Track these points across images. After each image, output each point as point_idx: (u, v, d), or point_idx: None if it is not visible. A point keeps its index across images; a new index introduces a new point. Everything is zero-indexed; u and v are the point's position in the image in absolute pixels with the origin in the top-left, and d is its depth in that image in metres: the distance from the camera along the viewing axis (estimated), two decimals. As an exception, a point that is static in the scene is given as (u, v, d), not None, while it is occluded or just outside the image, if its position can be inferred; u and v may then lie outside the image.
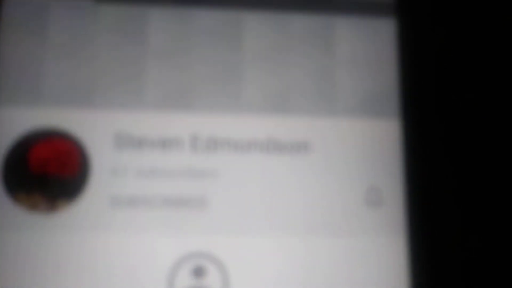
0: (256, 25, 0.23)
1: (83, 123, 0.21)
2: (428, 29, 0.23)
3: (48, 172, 0.21)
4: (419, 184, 0.22)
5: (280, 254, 0.21)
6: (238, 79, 0.22)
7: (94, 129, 0.21)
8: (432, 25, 0.23)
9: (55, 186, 0.21)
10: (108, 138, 0.21)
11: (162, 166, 0.21)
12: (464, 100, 0.22)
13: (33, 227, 0.20)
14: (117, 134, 0.21)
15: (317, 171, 0.22)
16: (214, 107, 0.22)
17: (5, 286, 0.20)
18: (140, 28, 0.22)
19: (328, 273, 0.21)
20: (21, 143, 0.21)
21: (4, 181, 0.21)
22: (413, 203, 0.22)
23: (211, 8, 0.23)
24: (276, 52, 0.23)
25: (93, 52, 0.22)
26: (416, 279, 0.21)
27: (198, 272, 0.21)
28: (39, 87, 0.22)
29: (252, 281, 0.21)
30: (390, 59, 0.23)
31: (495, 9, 0.23)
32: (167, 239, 0.21)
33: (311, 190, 0.22)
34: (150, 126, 0.22)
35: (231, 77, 0.22)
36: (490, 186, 0.22)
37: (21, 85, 0.21)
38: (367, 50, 0.23)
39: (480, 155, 0.22)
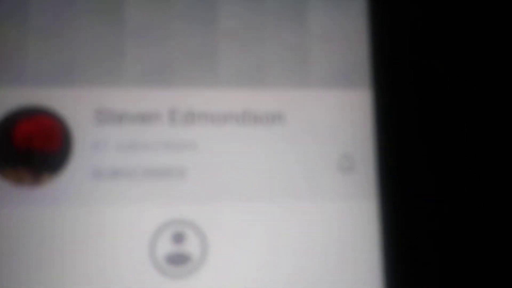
0: (230, 1, 0.24)
1: (65, 100, 0.22)
2: (398, 1, 0.24)
3: (33, 147, 0.22)
4: (390, 150, 0.22)
5: (257, 219, 0.22)
6: (213, 55, 0.23)
7: (75, 105, 0.22)
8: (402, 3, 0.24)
9: (39, 161, 0.22)
10: (89, 114, 0.22)
11: (142, 139, 0.22)
12: (432, 69, 0.23)
13: (19, 200, 0.21)
14: (97, 109, 0.22)
15: (292, 140, 0.23)
16: (191, 82, 0.23)
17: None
18: (117, 6, 0.23)
19: (303, 237, 0.22)
20: (6, 121, 0.22)
21: (-9, 158, 0.22)
22: (384, 169, 0.22)
23: (186, -13, 0.24)
24: (250, 27, 0.23)
25: (72, 32, 0.23)
26: (387, 243, 0.22)
27: (178, 238, 0.21)
28: (22, 67, 0.22)
29: (230, 245, 0.22)
30: (362, 31, 0.24)
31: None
32: (148, 209, 0.22)
33: (286, 158, 0.23)
34: (130, 101, 0.22)
35: (207, 52, 0.23)
36: (460, 152, 0.23)
37: (4, 66, 0.22)
38: (339, 23, 0.24)
39: (446, 121, 0.23)
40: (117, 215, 0.21)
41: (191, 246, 0.22)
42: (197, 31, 0.23)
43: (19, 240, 0.21)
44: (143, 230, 0.21)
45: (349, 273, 0.22)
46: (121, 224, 0.21)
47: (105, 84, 0.22)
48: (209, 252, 0.22)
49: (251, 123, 0.23)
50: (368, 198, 0.22)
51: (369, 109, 0.23)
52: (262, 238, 0.22)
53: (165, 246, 0.21)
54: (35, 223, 0.21)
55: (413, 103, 0.23)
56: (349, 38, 0.24)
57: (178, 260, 0.22)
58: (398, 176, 0.22)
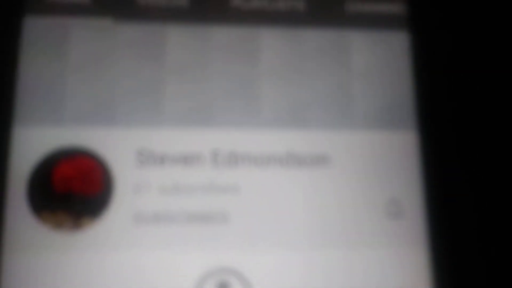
0: (272, 41, 0.23)
1: (106, 141, 0.22)
2: (441, 40, 0.23)
3: (73, 191, 0.21)
4: (438, 195, 0.22)
5: (303, 267, 0.21)
6: (256, 94, 0.23)
7: (116, 146, 0.22)
8: (445, 37, 0.23)
9: (79, 204, 0.21)
10: (131, 155, 0.22)
11: (184, 182, 0.22)
12: (477, 109, 0.23)
13: (59, 246, 0.21)
14: (139, 151, 0.22)
15: (337, 184, 0.22)
16: (234, 123, 0.22)
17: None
18: (158, 46, 0.23)
19: (351, 286, 0.21)
20: (45, 162, 0.22)
21: (29, 200, 0.21)
22: (433, 214, 0.22)
23: (227, 24, 0.23)
24: (292, 66, 0.23)
25: (113, 71, 0.22)
26: (438, 290, 0.21)
27: (223, 287, 0.21)
28: (62, 107, 0.22)
29: (277, 295, 0.21)
30: (405, 71, 0.23)
31: (505, 19, 0.23)
32: (191, 255, 0.21)
33: (331, 203, 0.22)
34: (171, 142, 0.22)
35: (250, 92, 0.23)
36: (508, 194, 0.22)
37: (44, 105, 0.22)
38: (382, 62, 0.23)
39: (496, 163, 0.22)
40: (159, 261, 0.21)
41: (237, 295, 0.21)
42: (239, 70, 0.23)
43: (58, 286, 0.20)
44: (186, 278, 0.21)
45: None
46: (163, 271, 0.21)
47: (146, 125, 0.22)
48: (255, 301, 0.21)
49: (295, 166, 0.22)
50: (418, 245, 0.22)
51: (416, 151, 0.22)
52: None
53: (210, 295, 0.21)
54: (75, 269, 0.21)
55: (459, 143, 0.22)
56: (392, 76, 0.23)
57: (222, 308, 0.21)
58: (447, 220, 0.22)
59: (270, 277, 0.21)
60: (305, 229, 0.22)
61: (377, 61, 0.23)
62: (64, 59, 0.22)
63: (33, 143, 0.22)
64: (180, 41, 0.23)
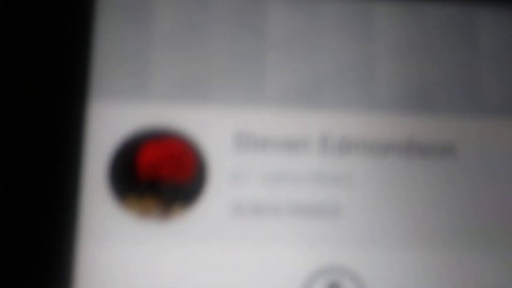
0: (391, 15, 0.20)
1: (199, 121, 0.19)
2: None
3: (161, 177, 0.18)
4: None
5: (423, 268, 0.18)
6: (372, 73, 0.20)
7: (211, 128, 0.19)
8: None
9: (169, 191, 0.18)
10: (228, 138, 0.19)
11: (289, 169, 0.19)
12: None
13: (145, 236, 0.18)
14: (237, 133, 0.19)
15: (464, 177, 0.19)
16: (347, 104, 0.19)
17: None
18: (259, 18, 0.20)
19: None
20: (129, 144, 0.19)
21: (112, 186, 0.18)
22: None
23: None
24: (414, 44, 0.20)
25: (209, 44, 0.20)
26: None
27: (337, 290, 0.18)
28: (147, 81, 0.19)
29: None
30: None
31: None
32: (298, 252, 0.18)
33: (457, 198, 0.19)
34: (275, 125, 0.19)
35: (365, 69, 0.20)
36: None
37: (127, 77, 0.19)
38: (513, 41, 0.20)
39: None
40: (260, 259, 0.18)
41: (354, 301, 0.18)
42: (352, 45, 0.20)
43: (144, 281, 0.17)
44: (292, 278, 0.18)
45: None
46: (265, 269, 0.18)
47: (245, 104, 0.19)
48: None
49: (417, 155, 0.19)
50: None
51: (556, 143, 0.19)
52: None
53: (323, 300, 0.18)
54: (163, 263, 0.18)
55: None
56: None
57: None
58: None
59: (386, 277, 0.18)
60: (426, 225, 0.18)
61: (508, 40, 0.20)
62: (149, 26, 0.20)
63: (113, 121, 0.19)
64: (284, 13, 0.20)
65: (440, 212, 0.19)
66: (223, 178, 0.19)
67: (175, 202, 0.18)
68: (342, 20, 0.20)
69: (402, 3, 0.20)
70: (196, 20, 0.20)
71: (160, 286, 0.17)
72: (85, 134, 0.19)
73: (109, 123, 0.19)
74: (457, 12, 0.21)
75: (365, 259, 0.18)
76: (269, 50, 0.20)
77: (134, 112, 0.19)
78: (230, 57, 0.20)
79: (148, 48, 0.20)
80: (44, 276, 0.17)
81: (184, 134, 0.19)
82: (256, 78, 0.19)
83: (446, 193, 0.19)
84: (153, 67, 0.19)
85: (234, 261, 0.18)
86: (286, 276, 0.18)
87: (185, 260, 0.18)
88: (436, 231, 0.19)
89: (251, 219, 0.18)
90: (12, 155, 0.18)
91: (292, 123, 0.19)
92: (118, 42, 0.20)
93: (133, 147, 0.19)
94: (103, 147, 0.19)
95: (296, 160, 0.19)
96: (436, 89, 0.20)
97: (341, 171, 0.19)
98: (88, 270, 0.18)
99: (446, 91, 0.20)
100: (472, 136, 0.19)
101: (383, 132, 0.19)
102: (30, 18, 0.19)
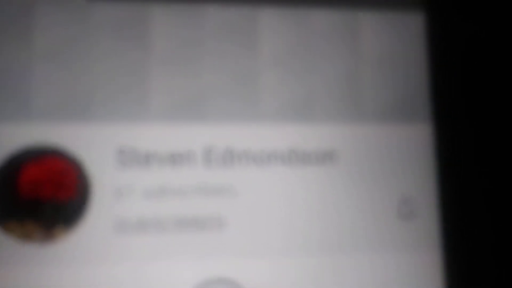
0: (273, 23, 0.20)
1: (81, 139, 0.19)
2: (460, 23, 0.21)
3: (42, 196, 0.18)
4: (453, 193, 0.20)
5: (308, 276, 0.19)
6: (255, 85, 0.20)
7: (93, 145, 0.19)
8: (463, 19, 0.21)
9: (50, 212, 0.18)
10: (110, 155, 0.19)
11: (173, 184, 0.19)
12: (496, 101, 0.21)
13: (27, 260, 0.18)
14: (120, 149, 0.19)
15: (345, 182, 0.20)
16: (230, 117, 0.19)
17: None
18: (141, 29, 0.20)
19: (364, 296, 0.19)
20: (9, 164, 0.18)
21: (-9, 209, 0.18)
22: (448, 214, 0.20)
23: (222, 3, 0.20)
24: (295, 53, 0.20)
25: (88, 58, 0.19)
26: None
27: (221, 303, 0.18)
28: (27, 99, 0.19)
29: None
30: (420, 57, 0.21)
31: None
32: (183, 266, 0.18)
33: (338, 204, 0.20)
34: (158, 140, 0.19)
35: (247, 82, 0.20)
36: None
37: (6, 98, 0.19)
38: (395, 47, 0.21)
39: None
40: (146, 275, 0.18)
41: (237, 312, 0.18)
42: (235, 58, 0.20)
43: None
44: (178, 293, 0.18)
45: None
46: (151, 284, 0.18)
47: (128, 120, 0.19)
48: (258, 319, 0.19)
49: (299, 163, 0.20)
50: (432, 248, 0.20)
51: (430, 146, 0.20)
52: (318, 301, 0.19)
53: (206, 313, 0.18)
54: (46, 286, 0.18)
55: (477, 138, 0.20)
56: (405, 63, 0.21)
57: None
58: (463, 222, 0.20)
59: (271, 287, 0.19)
60: (310, 233, 0.19)
61: (390, 46, 0.21)
62: (28, 44, 0.19)
63: (-7, 142, 0.18)
64: (167, 23, 0.20)
65: (322, 219, 0.19)
66: (106, 196, 0.19)
67: (57, 222, 0.18)
68: (225, 28, 0.20)
69: (286, 9, 0.21)
70: (75, 34, 0.19)
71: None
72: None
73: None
74: (339, 18, 0.21)
75: (250, 269, 0.19)
76: (154, 63, 0.20)
77: (14, 133, 0.19)
78: (112, 71, 0.19)
79: (27, 68, 0.19)
80: None
81: (66, 153, 0.19)
82: (139, 93, 0.19)
83: (327, 199, 0.20)
84: (34, 86, 0.19)
85: (119, 279, 0.18)
86: (172, 289, 0.18)
87: (70, 282, 0.18)
88: (319, 238, 0.19)
89: (135, 236, 0.18)
90: None
91: (176, 138, 0.19)
92: (1, 61, 0.19)
93: (13, 167, 0.18)
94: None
95: (181, 174, 0.19)
96: (317, 97, 0.20)
97: (225, 182, 0.19)
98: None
99: (327, 99, 0.20)
100: (352, 142, 0.20)
101: (265, 142, 0.20)
102: None
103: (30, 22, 0.19)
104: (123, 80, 0.19)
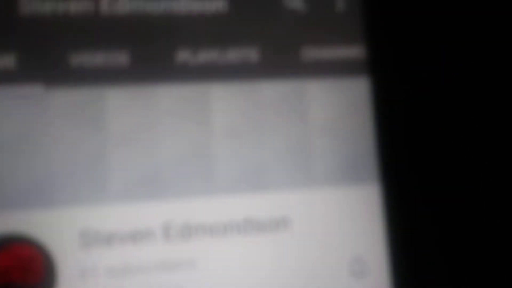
0: (224, 97, 0.21)
1: (44, 225, 0.20)
2: (403, 85, 0.22)
3: (11, 282, 0.19)
4: (404, 252, 0.21)
5: None
6: (208, 159, 0.21)
7: (57, 230, 0.20)
8: (407, 81, 0.22)
9: (19, 298, 0.19)
10: (74, 238, 0.20)
11: (134, 261, 0.20)
12: (445, 159, 0.22)
13: None
14: (82, 232, 0.20)
15: (299, 247, 0.21)
16: (186, 192, 0.21)
17: None
18: (98, 112, 0.21)
19: None
20: (-22, 252, 0.19)
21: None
22: (399, 272, 0.21)
23: (174, 82, 0.21)
24: (246, 124, 0.21)
25: (47, 144, 0.20)
26: None
27: None
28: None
29: None
30: (364, 120, 0.22)
31: (475, 65, 0.22)
32: None
33: (293, 267, 0.21)
34: (118, 220, 0.20)
35: (201, 157, 0.21)
36: (477, 245, 0.21)
37: None
38: (341, 112, 0.22)
39: (466, 215, 0.21)
40: None
41: None
42: (188, 132, 0.21)
43: None
44: None
45: None
46: None
47: (88, 203, 0.20)
48: None
49: (254, 232, 0.21)
50: (385, 305, 0.21)
51: (379, 205, 0.21)
52: None
53: None
54: None
55: (426, 196, 0.21)
56: (352, 127, 0.22)
57: None
58: (415, 279, 0.21)
59: None
60: (268, 299, 0.20)
61: (336, 112, 0.22)
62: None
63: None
64: (122, 104, 0.21)
65: (278, 283, 0.20)
66: (71, 277, 0.20)
67: (27, 307, 0.19)
68: (178, 105, 0.21)
69: (236, 83, 0.22)
70: (33, 121, 0.20)
71: None
72: None
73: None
74: (287, 88, 0.22)
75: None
76: (110, 144, 0.21)
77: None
78: (69, 156, 0.20)
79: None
80: None
81: (32, 239, 0.20)
82: (97, 176, 0.20)
83: (282, 264, 0.21)
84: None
85: None
86: None
87: None
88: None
89: (102, 315, 0.19)
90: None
91: (135, 216, 0.20)
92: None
93: (-17, 255, 0.19)
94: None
95: (142, 251, 0.20)
96: (268, 166, 0.21)
97: (184, 256, 0.20)
98: None
99: (278, 167, 0.21)
100: (303, 207, 0.21)
101: (221, 214, 0.21)
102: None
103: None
104: (82, 164, 0.20)
